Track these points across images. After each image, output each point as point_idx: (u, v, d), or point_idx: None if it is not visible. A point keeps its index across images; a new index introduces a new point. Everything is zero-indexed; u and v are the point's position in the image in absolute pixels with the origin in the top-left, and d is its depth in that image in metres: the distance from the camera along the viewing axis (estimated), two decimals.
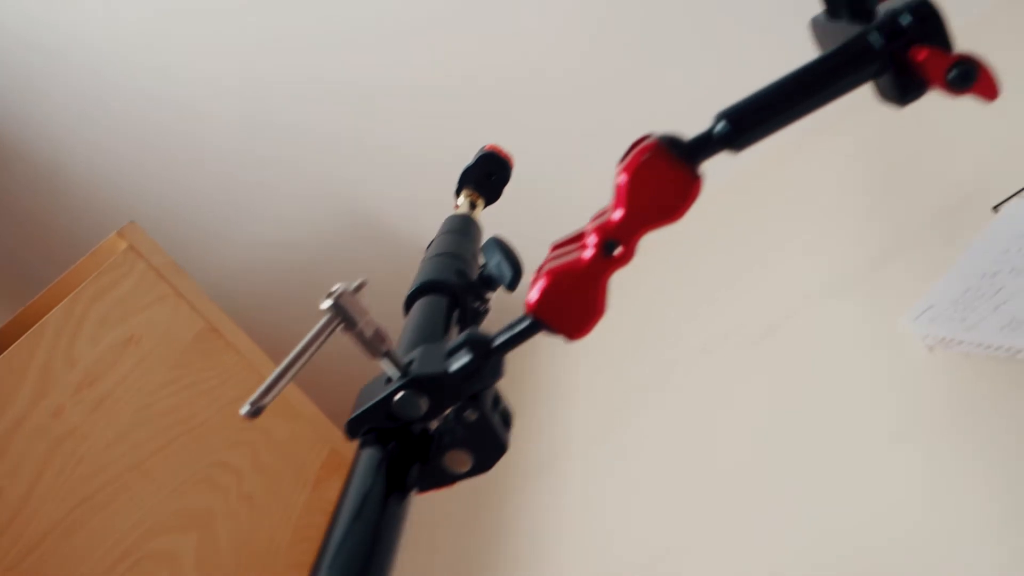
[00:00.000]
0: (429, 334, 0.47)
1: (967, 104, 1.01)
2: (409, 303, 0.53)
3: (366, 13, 1.09)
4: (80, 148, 1.19)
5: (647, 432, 0.89)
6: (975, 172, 0.86)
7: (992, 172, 0.84)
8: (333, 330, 0.39)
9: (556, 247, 0.39)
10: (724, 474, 0.76)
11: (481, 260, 0.56)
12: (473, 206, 0.66)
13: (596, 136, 1.16)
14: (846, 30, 0.35)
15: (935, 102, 1.06)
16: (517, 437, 0.41)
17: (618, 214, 0.34)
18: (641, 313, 1.05)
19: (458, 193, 0.67)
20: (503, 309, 0.57)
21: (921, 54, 0.32)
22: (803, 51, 0.37)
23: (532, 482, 0.95)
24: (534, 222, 1.22)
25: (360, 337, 0.39)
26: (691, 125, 0.36)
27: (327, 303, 0.38)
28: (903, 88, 0.33)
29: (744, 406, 0.82)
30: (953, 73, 0.32)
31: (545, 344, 0.34)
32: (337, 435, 1.18)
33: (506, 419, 0.42)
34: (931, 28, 0.32)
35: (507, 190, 0.67)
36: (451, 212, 0.66)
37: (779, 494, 0.70)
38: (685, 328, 0.98)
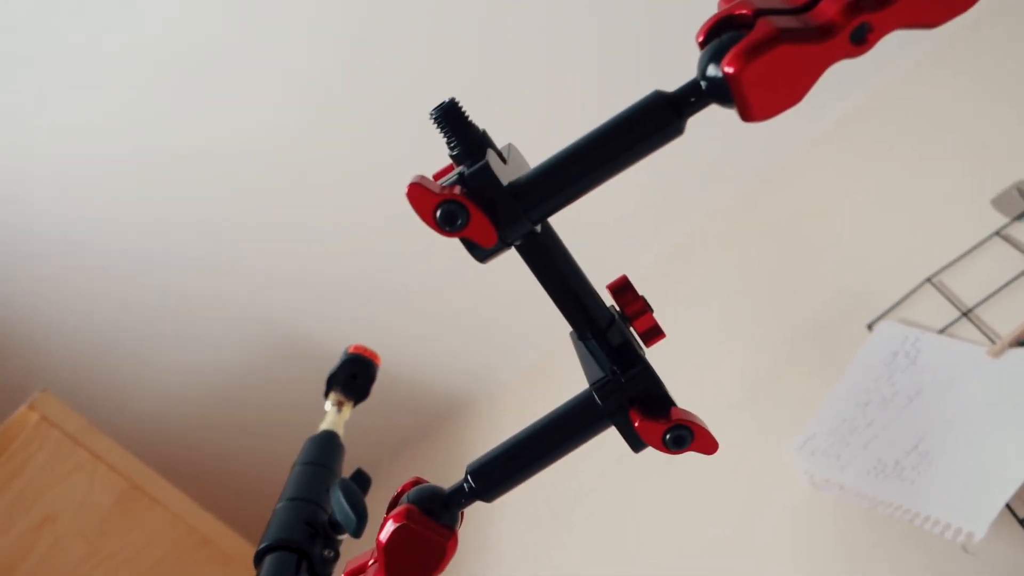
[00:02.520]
0: None
1: (854, 208, 0.98)
2: (259, 557, 0.54)
3: (288, 158, 1.11)
4: None
5: (558, 565, 0.91)
6: (859, 283, 0.87)
7: (875, 282, 0.85)
8: None
9: (348, 572, 0.40)
10: None
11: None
12: (340, 410, 0.67)
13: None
14: (590, 364, 0.36)
15: (822, 208, 1.02)
16: None
17: None
18: None
19: (326, 395, 0.68)
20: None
21: (635, 420, 0.33)
22: None
23: None
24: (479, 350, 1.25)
25: None
26: None
27: None
28: (631, 441, 0.34)
29: (647, 536, 0.84)
30: (668, 438, 0.33)
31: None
32: None
33: None
34: (647, 389, 0.34)
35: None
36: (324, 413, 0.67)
37: None
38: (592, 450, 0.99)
